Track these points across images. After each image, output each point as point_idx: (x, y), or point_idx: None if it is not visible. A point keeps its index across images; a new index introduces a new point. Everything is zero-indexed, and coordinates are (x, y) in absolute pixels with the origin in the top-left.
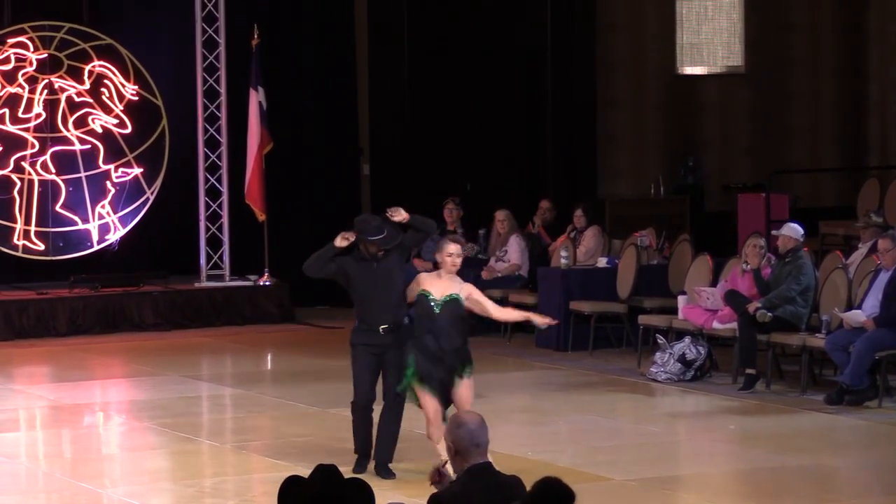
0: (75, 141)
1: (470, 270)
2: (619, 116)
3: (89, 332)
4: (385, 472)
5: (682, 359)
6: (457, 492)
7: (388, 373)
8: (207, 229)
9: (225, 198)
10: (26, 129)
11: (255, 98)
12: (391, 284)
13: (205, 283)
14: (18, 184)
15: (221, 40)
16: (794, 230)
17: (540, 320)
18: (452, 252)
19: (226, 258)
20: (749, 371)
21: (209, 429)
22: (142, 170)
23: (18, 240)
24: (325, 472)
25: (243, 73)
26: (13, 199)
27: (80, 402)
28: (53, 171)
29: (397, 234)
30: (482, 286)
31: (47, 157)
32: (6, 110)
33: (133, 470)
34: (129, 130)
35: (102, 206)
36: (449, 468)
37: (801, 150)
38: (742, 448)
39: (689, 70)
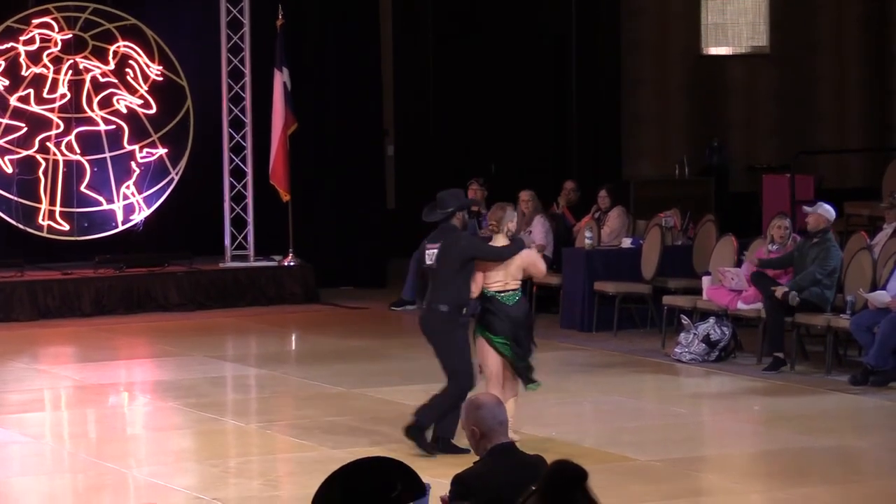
0: (100, 121)
1: None
2: (643, 97)
3: (114, 312)
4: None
5: (706, 339)
6: (480, 471)
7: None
8: (232, 210)
9: (249, 178)
10: (51, 110)
11: (280, 79)
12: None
13: (229, 264)
14: (43, 164)
15: (246, 21)
16: (827, 211)
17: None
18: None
19: (250, 238)
20: (777, 354)
21: (234, 409)
22: (166, 150)
23: (43, 220)
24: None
25: (268, 53)
26: (38, 179)
27: (105, 382)
28: (78, 151)
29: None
30: None
31: (72, 137)
32: (31, 91)
33: (158, 450)
34: (153, 111)
35: (127, 187)
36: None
37: (826, 131)
38: (766, 429)
39: (714, 51)
